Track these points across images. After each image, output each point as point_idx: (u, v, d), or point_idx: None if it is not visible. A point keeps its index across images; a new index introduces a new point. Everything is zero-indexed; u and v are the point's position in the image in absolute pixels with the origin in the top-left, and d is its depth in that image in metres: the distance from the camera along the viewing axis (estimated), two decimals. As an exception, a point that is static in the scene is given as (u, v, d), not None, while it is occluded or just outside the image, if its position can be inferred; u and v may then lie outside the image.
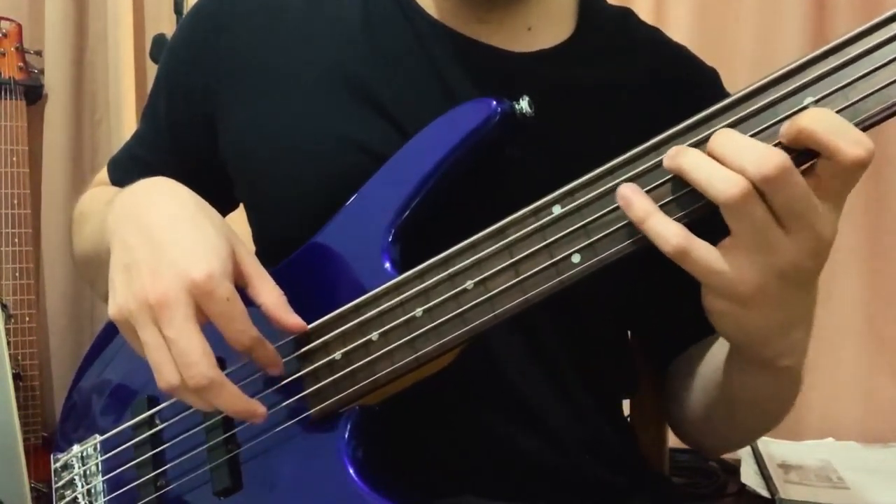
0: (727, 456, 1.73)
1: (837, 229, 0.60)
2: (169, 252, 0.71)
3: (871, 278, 1.86)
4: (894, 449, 1.76)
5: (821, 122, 0.57)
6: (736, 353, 0.75)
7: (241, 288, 0.74)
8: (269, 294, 0.74)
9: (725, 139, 0.59)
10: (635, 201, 0.62)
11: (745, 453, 1.70)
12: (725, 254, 0.61)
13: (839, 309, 1.87)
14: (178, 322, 0.69)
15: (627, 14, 0.97)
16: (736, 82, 0.74)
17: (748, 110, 0.61)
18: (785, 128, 0.58)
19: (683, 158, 0.61)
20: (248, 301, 0.74)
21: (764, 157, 0.57)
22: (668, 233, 0.61)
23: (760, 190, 0.57)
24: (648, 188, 0.63)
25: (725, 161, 0.58)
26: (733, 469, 1.67)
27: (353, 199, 0.80)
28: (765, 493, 1.53)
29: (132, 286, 0.71)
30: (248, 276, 0.74)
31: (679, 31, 1.88)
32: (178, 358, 0.69)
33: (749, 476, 1.60)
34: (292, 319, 0.75)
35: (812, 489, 1.55)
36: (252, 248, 0.96)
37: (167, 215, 0.75)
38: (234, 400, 0.72)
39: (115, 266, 0.75)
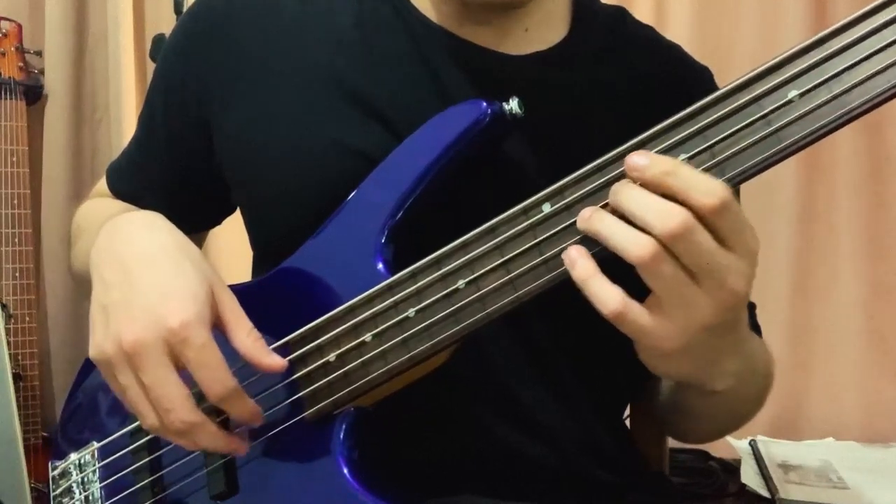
0: (727, 456, 1.74)
1: (751, 285, 0.62)
2: (145, 295, 0.71)
3: (871, 278, 1.86)
4: (894, 449, 1.76)
5: (671, 175, 0.59)
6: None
7: (219, 328, 0.74)
8: (244, 339, 0.73)
9: (630, 195, 0.61)
10: (579, 263, 0.63)
11: (745, 453, 1.71)
12: (652, 313, 0.62)
13: (839, 309, 1.87)
14: (153, 369, 0.69)
15: (621, 13, 0.96)
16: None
17: (733, 105, 0.61)
18: (635, 167, 0.60)
19: (598, 224, 0.62)
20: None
21: (668, 215, 0.59)
22: (607, 296, 0.62)
23: (669, 248, 0.59)
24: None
25: (634, 218, 0.60)
26: (733, 469, 1.68)
27: (347, 201, 0.80)
28: (765, 493, 1.54)
29: (109, 328, 0.72)
30: (225, 319, 0.73)
31: (679, 30, 1.89)
32: (156, 403, 0.70)
33: (749, 476, 1.60)
34: (270, 360, 0.73)
35: (812, 489, 1.55)
36: (247, 255, 0.96)
37: (146, 255, 0.75)
38: (216, 439, 0.73)
39: (94, 305, 0.75)
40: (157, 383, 0.69)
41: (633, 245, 0.60)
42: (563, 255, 0.64)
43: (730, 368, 0.71)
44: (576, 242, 0.64)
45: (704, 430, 0.96)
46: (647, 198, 0.60)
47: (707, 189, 0.59)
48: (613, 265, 0.62)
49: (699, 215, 0.59)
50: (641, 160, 0.60)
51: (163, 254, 0.75)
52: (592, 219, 0.63)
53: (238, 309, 0.74)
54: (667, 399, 0.93)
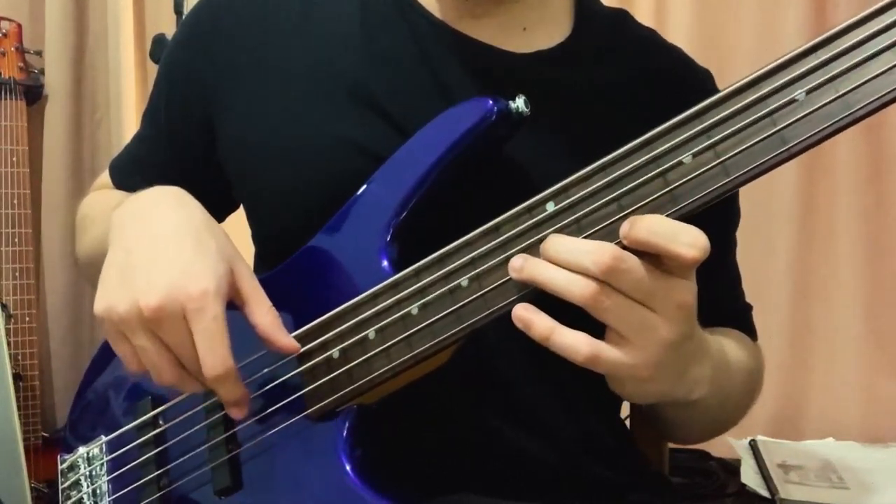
0: (727, 456, 1.73)
1: (696, 290, 0.64)
2: (167, 263, 0.71)
3: (871, 278, 1.86)
4: (894, 449, 1.76)
5: (656, 234, 0.61)
6: None
7: (239, 306, 0.74)
8: (264, 316, 0.74)
9: (558, 245, 0.64)
10: (535, 321, 0.64)
11: (745, 453, 1.70)
12: (618, 346, 0.64)
13: (839, 309, 1.87)
14: (178, 332, 0.70)
15: (623, 15, 0.97)
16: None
17: (738, 105, 0.61)
18: (624, 235, 0.62)
19: (534, 271, 0.64)
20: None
21: (598, 253, 0.61)
22: (576, 344, 0.63)
23: (609, 282, 0.61)
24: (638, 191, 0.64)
25: (568, 266, 0.63)
26: (733, 469, 1.67)
27: (352, 199, 0.80)
28: (765, 493, 1.53)
29: (125, 289, 0.72)
30: (245, 295, 0.74)
31: (679, 30, 1.89)
32: (187, 362, 0.71)
33: (749, 476, 1.60)
34: (286, 341, 0.75)
35: (812, 489, 1.55)
36: (250, 252, 0.96)
37: (172, 226, 0.75)
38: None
39: (111, 263, 0.75)
40: (183, 343, 0.70)
41: (575, 287, 0.62)
42: (515, 318, 0.65)
43: (699, 375, 0.71)
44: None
45: (694, 433, 0.97)
46: (573, 243, 0.63)
47: (691, 241, 0.60)
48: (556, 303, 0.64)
49: (686, 265, 0.61)
50: (624, 227, 0.62)
51: (188, 227, 0.75)
52: (526, 268, 0.64)
53: (258, 288, 0.75)
54: (646, 412, 0.94)
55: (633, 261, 0.61)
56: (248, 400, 0.75)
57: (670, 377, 0.68)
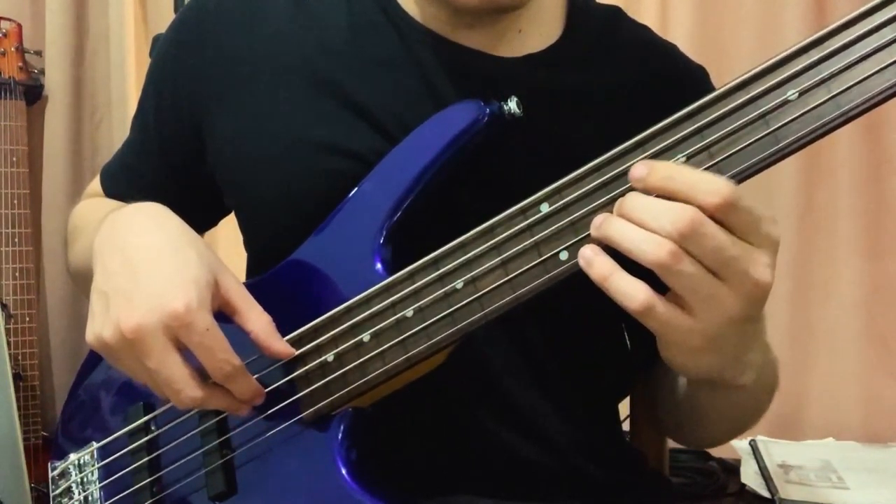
0: (727, 456, 1.73)
1: (774, 275, 0.61)
2: (147, 282, 0.71)
3: (871, 278, 1.85)
4: (894, 449, 1.76)
5: (673, 180, 0.59)
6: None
7: (230, 315, 0.75)
8: (257, 321, 0.75)
9: (637, 203, 0.61)
10: (597, 261, 0.62)
11: (745, 453, 1.70)
12: (678, 308, 0.61)
13: (839, 309, 1.86)
14: (157, 354, 0.70)
15: (616, 14, 0.96)
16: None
17: (732, 105, 0.61)
18: (639, 177, 0.61)
19: (610, 228, 0.62)
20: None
21: (678, 215, 0.58)
22: (633, 290, 0.61)
23: (684, 246, 0.59)
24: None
25: (644, 225, 0.60)
26: (733, 469, 1.67)
27: (344, 202, 0.81)
28: (765, 493, 1.53)
29: (109, 315, 0.72)
30: (235, 304, 0.75)
31: (681, 30, 1.88)
32: (164, 387, 0.71)
33: (749, 476, 1.60)
34: (281, 346, 0.75)
35: (812, 489, 1.55)
36: (243, 259, 0.96)
37: (150, 244, 0.75)
38: (227, 401, 0.75)
39: (94, 292, 0.75)
40: (161, 367, 0.70)
41: (650, 246, 0.59)
42: (579, 256, 0.63)
43: (752, 360, 0.70)
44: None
45: (724, 430, 0.94)
46: (653, 202, 0.60)
47: (710, 188, 0.58)
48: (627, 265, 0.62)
49: (708, 214, 0.58)
50: (642, 170, 0.60)
51: (166, 243, 0.75)
52: (603, 225, 0.62)
53: (247, 294, 0.75)
54: (682, 404, 0.91)
55: (713, 227, 0.58)
56: (262, 392, 0.76)
57: (725, 354, 0.66)
